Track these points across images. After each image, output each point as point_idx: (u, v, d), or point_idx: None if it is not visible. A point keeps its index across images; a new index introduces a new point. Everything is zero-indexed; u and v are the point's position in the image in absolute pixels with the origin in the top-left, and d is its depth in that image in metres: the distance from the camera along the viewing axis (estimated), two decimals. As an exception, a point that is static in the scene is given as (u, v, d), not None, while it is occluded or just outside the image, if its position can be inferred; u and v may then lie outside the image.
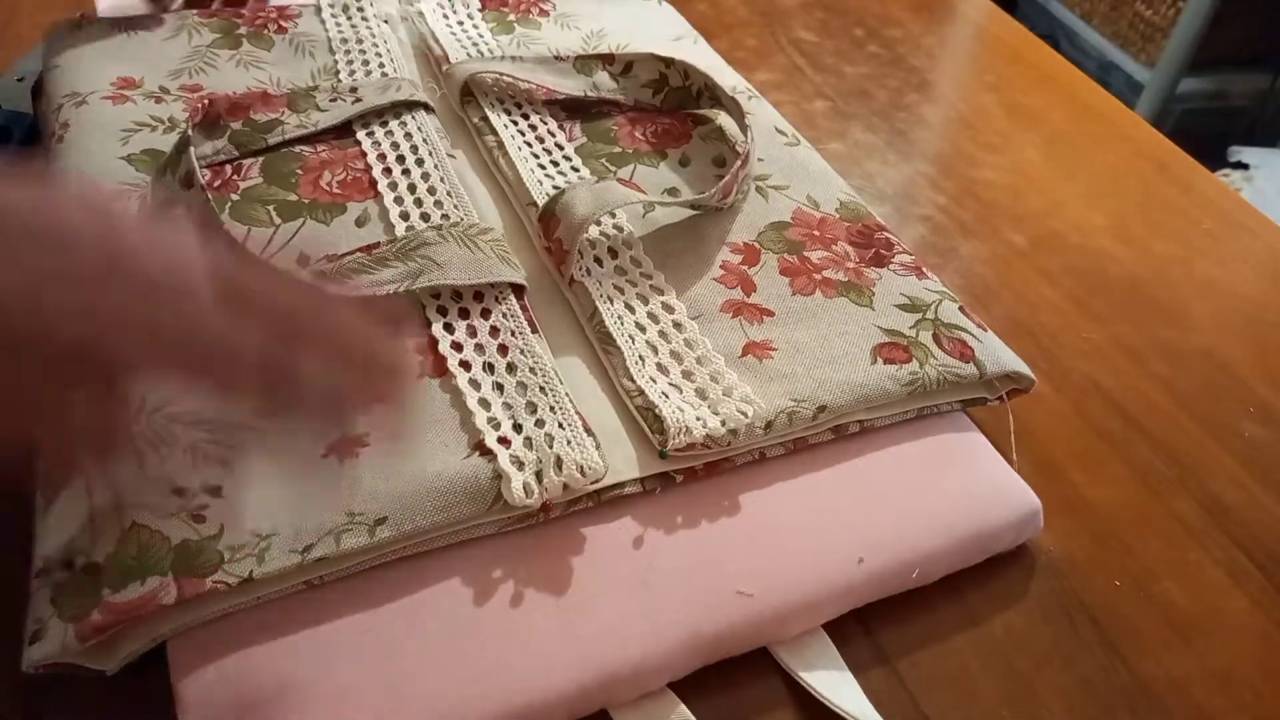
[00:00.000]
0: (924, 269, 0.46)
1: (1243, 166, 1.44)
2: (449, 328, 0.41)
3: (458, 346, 0.40)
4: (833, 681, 0.35)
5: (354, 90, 0.52)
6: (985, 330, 0.44)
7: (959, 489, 0.39)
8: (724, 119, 0.54)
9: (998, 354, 0.42)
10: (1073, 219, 0.57)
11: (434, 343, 0.40)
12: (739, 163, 0.47)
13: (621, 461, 0.37)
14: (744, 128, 0.50)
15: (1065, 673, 0.36)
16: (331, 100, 0.51)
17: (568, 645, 0.33)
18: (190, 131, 0.43)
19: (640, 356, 0.40)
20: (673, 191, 0.49)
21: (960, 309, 0.44)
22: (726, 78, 0.58)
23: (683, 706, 0.34)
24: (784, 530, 0.37)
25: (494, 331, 0.41)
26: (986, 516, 0.39)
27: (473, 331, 0.41)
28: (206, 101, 0.48)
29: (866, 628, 0.37)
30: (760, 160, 0.51)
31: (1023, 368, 0.43)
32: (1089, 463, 0.44)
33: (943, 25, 0.76)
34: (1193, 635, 0.38)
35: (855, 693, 0.34)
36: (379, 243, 0.43)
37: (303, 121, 0.50)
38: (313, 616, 0.33)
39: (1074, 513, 0.42)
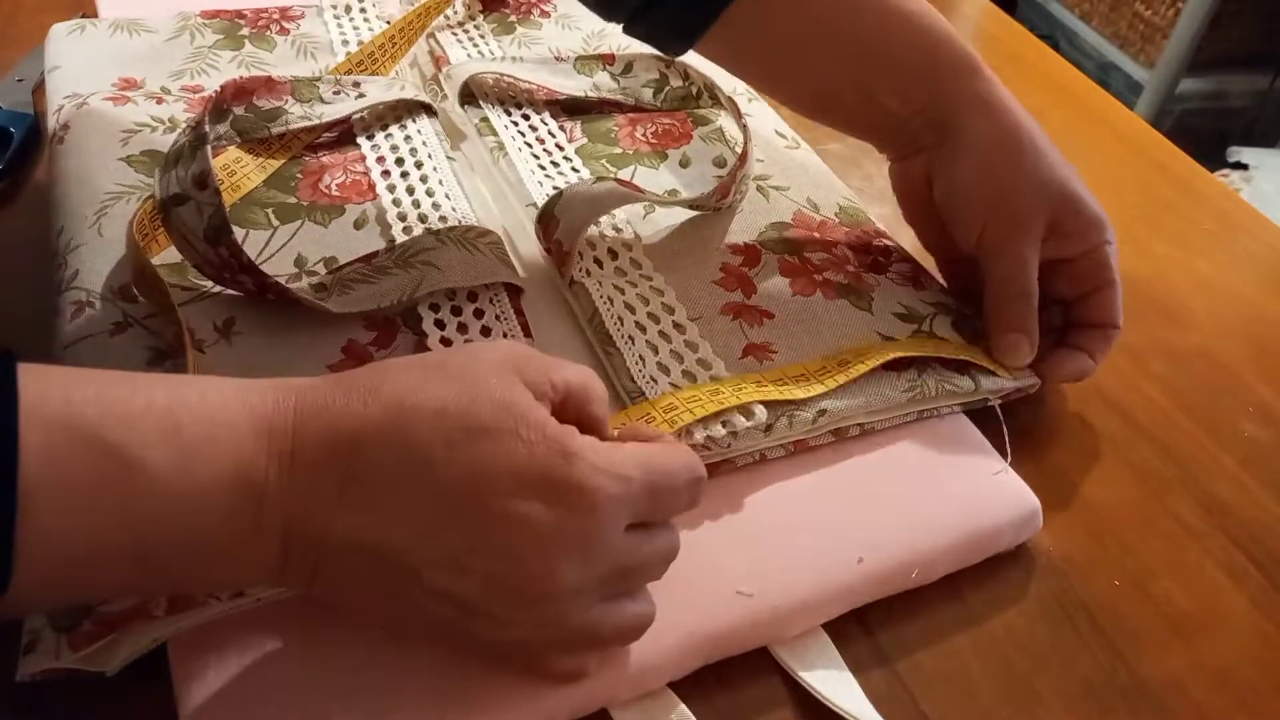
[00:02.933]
0: (921, 278, 0.46)
1: (1242, 167, 1.44)
2: (440, 324, 0.41)
3: (446, 343, 0.40)
4: (833, 681, 0.35)
5: (357, 85, 0.52)
6: (979, 346, 0.44)
7: (958, 489, 0.39)
8: (724, 120, 0.54)
9: (995, 373, 0.43)
10: (1072, 219, 0.57)
11: (424, 340, 0.40)
12: (736, 163, 0.47)
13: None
14: (741, 128, 0.51)
15: (1065, 672, 0.36)
16: (335, 93, 0.51)
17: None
18: (206, 126, 0.43)
19: (640, 357, 0.40)
20: (673, 193, 0.49)
21: (953, 324, 0.44)
22: (727, 80, 0.58)
23: (683, 706, 0.34)
24: (784, 530, 0.37)
25: (485, 331, 0.41)
26: (986, 516, 0.39)
27: (463, 329, 0.41)
28: (219, 89, 0.48)
29: (866, 628, 0.37)
30: (761, 161, 0.51)
31: (1020, 381, 0.43)
32: (1088, 463, 0.44)
33: (942, 26, 0.76)
34: (1192, 635, 0.38)
35: (855, 693, 0.34)
36: (378, 251, 0.43)
37: (307, 113, 0.50)
38: (313, 617, 0.33)
39: (1073, 512, 0.42)
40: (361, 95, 0.51)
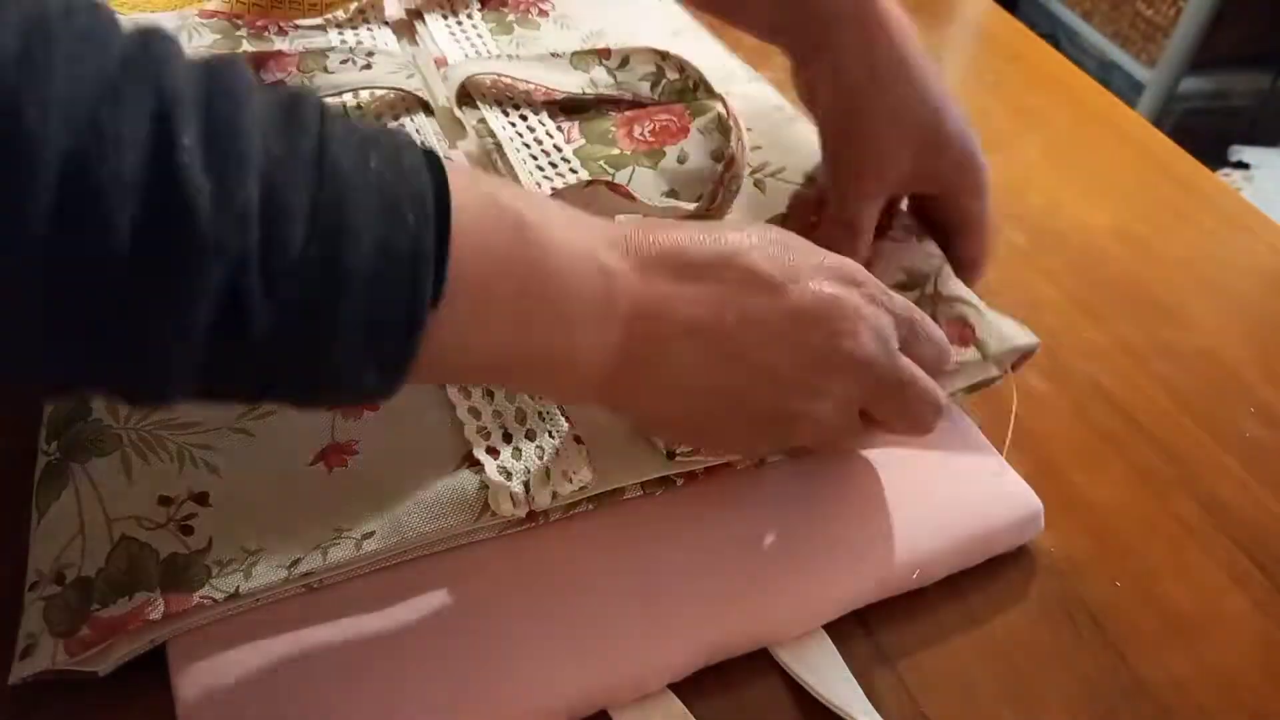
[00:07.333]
0: (923, 232, 0.46)
1: (1243, 166, 1.44)
2: None
3: None
4: (833, 682, 0.35)
5: (370, 55, 0.51)
6: (985, 308, 0.44)
7: (960, 490, 0.39)
8: (721, 107, 0.54)
9: (1000, 329, 0.42)
10: (1074, 218, 0.57)
11: None
12: (722, 168, 0.47)
13: (623, 465, 0.37)
14: (732, 124, 0.50)
15: (1066, 673, 0.36)
16: (342, 62, 0.50)
17: (568, 646, 0.33)
18: None
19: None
20: (671, 194, 0.49)
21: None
22: (728, 63, 0.59)
23: (682, 706, 0.34)
24: (785, 531, 0.37)
25: None
26: (987, 517, 0.39)
27: None
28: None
29: (867, 628, 0.37)
30: (758, 148, 0.51)
31: (1027, 338, 0.42)
32: (1090, 463, 0.44)
33: (944, 25, 0.76)
34: (1193, 635, 0.38)
35: (855, 693, 0.34)
36: None
37: (306, 85, 0.49)
38: (312, 618, 0.33)
39: (1075, 513, 0.42)
40: (368, 67, 0.50)
